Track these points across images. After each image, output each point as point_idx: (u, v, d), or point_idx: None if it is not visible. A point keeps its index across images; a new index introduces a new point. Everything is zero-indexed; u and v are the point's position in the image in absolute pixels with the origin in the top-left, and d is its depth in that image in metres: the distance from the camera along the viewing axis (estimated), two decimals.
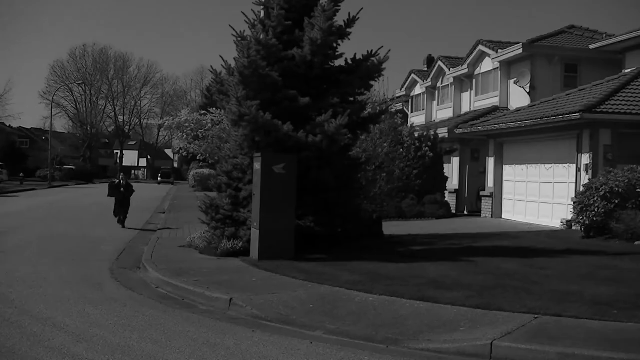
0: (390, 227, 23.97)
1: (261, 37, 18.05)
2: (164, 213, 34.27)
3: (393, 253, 17.92)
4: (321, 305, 11.49)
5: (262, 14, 18.92)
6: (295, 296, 12.18)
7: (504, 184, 31.76)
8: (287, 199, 16.51)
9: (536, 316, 10.35)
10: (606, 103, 25.07)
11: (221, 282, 13.55)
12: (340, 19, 18.40)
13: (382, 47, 22.92)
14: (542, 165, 28.42)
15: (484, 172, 34.34)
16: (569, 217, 24.28)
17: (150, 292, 13.59)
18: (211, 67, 19.66)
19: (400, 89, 53.41)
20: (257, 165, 16.63)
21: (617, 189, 21.41)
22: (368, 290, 12.52)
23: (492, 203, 32.19)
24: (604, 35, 36.89)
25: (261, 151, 16.91)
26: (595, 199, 21.64)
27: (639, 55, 30.61)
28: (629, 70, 29.97)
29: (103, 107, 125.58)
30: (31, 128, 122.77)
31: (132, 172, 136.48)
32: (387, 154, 24.62)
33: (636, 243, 20.11)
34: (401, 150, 29.68)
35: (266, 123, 16.91)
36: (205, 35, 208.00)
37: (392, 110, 35.56)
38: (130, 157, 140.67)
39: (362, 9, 18.60)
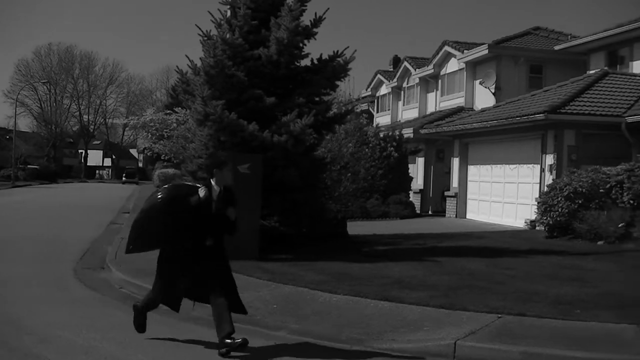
0: (355, 227, 24.00)
1: (227, 36, 18.01)
2: (128, 213, 34.04)
3: (358, 253, 17.95)
4: (285, 305, 11.49)
5: (229, 14, 18.87)
6: (259, 296, 12.16)
7: (469, 184, 31.94)
8: (252, 199, 16.46)
9: (500, 316, 10.40)
10: (571, 104, 25.32)
11: None
12: (306, 19, 18.45)
13: (348, 47, 22.91)
14: (507, 165, 28.60)
15: (448, 172, 34.51)
16: (533, 217, 24.46)
17: (114, 292, 13.51)
18: (177, 66, 19.66)
19: (366, 89, 53.58)
20: None
21: (580, 189, 21.58)
22: (332, 290, 12.51)
23: (456, 203, 32.34)
24: (569, 36, 37.31)
25: (226, 151, 16.88)
26: (559, 199, 21.80)
27: (603, 56, 31.07)
28: (593, 71, 30.35)
29: (68, 107, 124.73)
30: None
31: (97, 171, 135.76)
32: (352, 154, 24.66)
33: (599, 243, 20.29)
34: (366, 150, 29.72)
35: (231, 123, 16.87)
36: (171, 34, 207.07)
37: (358, 110, 35.72)
38: (94, 157, 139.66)
39: (328, 8, 18.63)
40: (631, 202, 20.80)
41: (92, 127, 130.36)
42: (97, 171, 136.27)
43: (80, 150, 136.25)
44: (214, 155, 10.37)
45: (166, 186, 9.87)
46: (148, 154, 61.16)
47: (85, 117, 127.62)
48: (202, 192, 9.54)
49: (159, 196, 9.48)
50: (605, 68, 29.98)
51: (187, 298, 9.71)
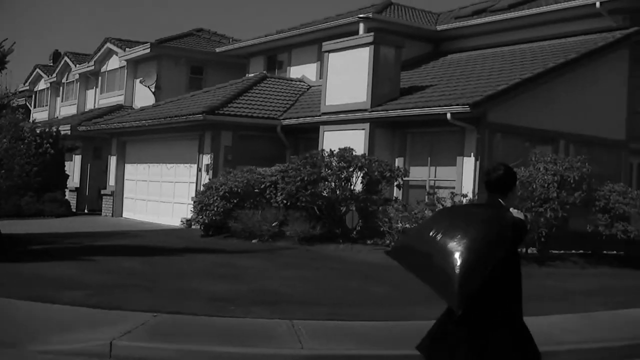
0: (9, 226, 23.12)
1: None
2: None
3: (10, 253, 17.37)
4: None
5: None
6: None
7: (126, 182, 31.87)
8: None
9: (156, 314, 10.51)
10: (229, 105, 26.10)
11: None
12: None
13: (7, 39, 22.07)
14: (164, 164, 28.86)
15: (106, 171, 34.20)
16: (189, 216, 24.84)
17: None
18: None
19: (24, 84, 51.78)
20: None
21: (236, 189, 22.23)
22: None
23: (113, 202, 32.12)
24: (231, 39, 38.34)
25: None
26: (215, 198, 22.33)
27: (263, 60, 32.31)
28: (252, 74, 31.56)
29: None
30: None
31: None
32: (7, 150, 23.79)
33: (253, 241, 21.06)
34: (22, 146, 28.79)
35: None
36: None
37: (14, 105, 34.46)
38: None
39: None
40: (284, 201, 21.72)
41: None
42: None
43: None
44: (506, 165, 6.50)
45: (481, 216, 6.14)
46: None
47: None
48: (523, 215, 6.21)
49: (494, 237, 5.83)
50: (264, 72, 31.20)
51: None
